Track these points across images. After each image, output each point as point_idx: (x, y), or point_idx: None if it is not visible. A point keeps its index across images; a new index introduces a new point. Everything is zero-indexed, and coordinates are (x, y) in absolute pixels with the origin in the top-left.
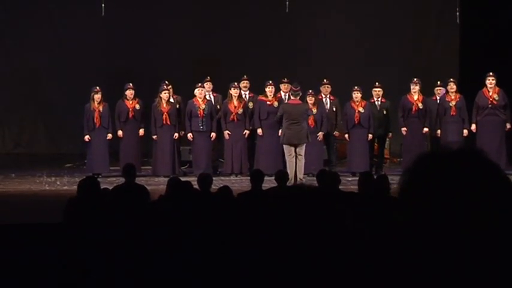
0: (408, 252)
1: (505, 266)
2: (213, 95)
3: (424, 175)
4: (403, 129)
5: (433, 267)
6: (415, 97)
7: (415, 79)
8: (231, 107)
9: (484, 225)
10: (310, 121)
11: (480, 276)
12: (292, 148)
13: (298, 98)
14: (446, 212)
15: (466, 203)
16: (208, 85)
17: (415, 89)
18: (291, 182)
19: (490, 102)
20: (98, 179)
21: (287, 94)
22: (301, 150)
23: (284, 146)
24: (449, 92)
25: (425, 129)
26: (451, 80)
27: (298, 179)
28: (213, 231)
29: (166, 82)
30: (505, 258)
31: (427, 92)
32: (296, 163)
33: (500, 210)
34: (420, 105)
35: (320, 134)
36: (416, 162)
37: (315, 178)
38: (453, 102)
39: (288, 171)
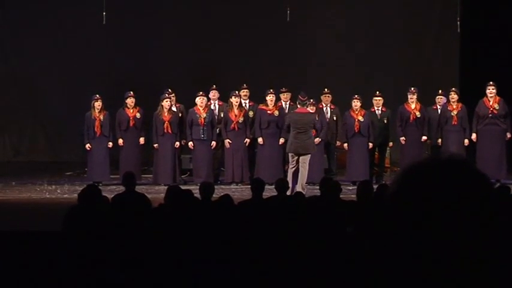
0: (399, 259)
1: (492, 271)
2: (219, 104)
3: (412, 186)
4: (402, 138)
5: (422, 275)
6: (413, 106)
7: (412, 88)
8: (232, 116)
9: (471, 235)
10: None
11: (470, 280)
12: (296, 158)
13: (305, 107)
14: (434, 220)
15: (454, 212)
16: (213, 93)
17: (412, 98)
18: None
19: (490, 111)
20: (99, 187)
21: (287, 103)
22: (306, 159)
23: (289, 154)
24: (451, 102)
25: (424, 138)
26: (453, 89)
27: (299, 187)
28: (214, 239)
29: (169, 90)
30: (494, 264)
31: (427, 101)
32: (298, 171)
33: (487, 219)
34: (418, 113)
35: (317, 139)
36: (404, 172)
37: (315, 187)
38: (455, 112)
39: (288, 180)
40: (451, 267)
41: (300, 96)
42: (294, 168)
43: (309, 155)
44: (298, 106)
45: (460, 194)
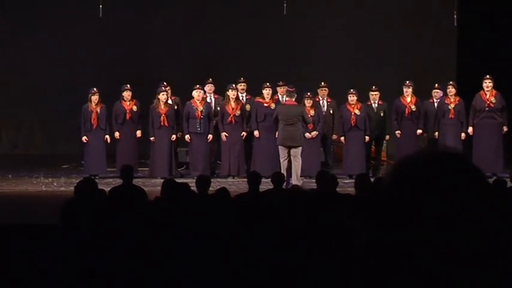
0: (396, 253)
1: (487, 266)
2: (215, 97)
3: (405, 178)
4: (397, 132)
5: (419, 268)
6: (408, 99)
7: (408, 82)
8: (229, 109)
9: (464, 228)
10: None
11: (464, 273)
12: (286, 150)
13: (293, 99)
14: (427, 213)
15: (447, 205)
16: (209, 87)
17: (407, 91)
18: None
19: (487, 105)
20: (95, 180)
21: (284, 96)
22: (297, 152)
23: (279, 147)
24: (449, 95)
25: (419, 131)
26: (451, 83)
27: (295, 180)
28: (210, 233)
29: (165, 83)
30: (489, 257)
31: (424, 94)
32: (291, 165)
33: (481, 212)
34: (413, 107)
35: (314, 133)
36: (398, 165)
37: (312, 180)
38: (452, 105)
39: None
40: (445, 261)
41: (288, 88)
42: (286, 161)
43: (300, 148)
44: (287, 98)
45: (453, 187)
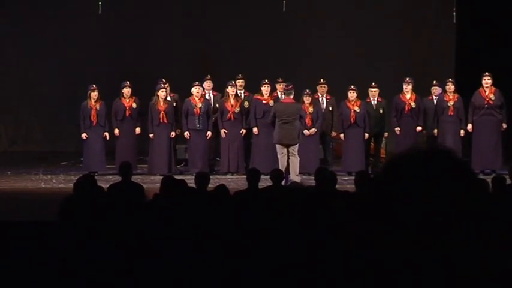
0: (393, 249)
1: (484, 262)
2: (213, 94)
3: (395, 175)
4: (397, 129)
5: (409, 265)
6: (408, 96)
7: (408, 78)
8: (228, 106)
9: (454, 222)
10: (307, 120)
11: (454, 267)
12: (285, 147)
13: (291, 96)
14: (418, 209)
15: (437, 201)
16: (208, 83)
17: (407, 88)
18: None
19: (486, 102)
20: (94, 177)
21: (283, 93)
22: (294, 149)
23: (276, 145)
24: (448, 92)
25: (419, 128)
26: (450, 80)
27: (293, 176)
28: (209, 230)
29: (163, 80)
30: (485, 256)
31: (423, 91)
32: (289, 162)
33: (469, 208)
34: (413, 104)
35: (312, 130)
36: (389, 163)
37: (311, 177)
38: (451, 102)
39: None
40: (437, 255)
41: (284, 86)
42: (284, 158)
43: (297, 145)
44: (284, 96)
45: (443, 183)
